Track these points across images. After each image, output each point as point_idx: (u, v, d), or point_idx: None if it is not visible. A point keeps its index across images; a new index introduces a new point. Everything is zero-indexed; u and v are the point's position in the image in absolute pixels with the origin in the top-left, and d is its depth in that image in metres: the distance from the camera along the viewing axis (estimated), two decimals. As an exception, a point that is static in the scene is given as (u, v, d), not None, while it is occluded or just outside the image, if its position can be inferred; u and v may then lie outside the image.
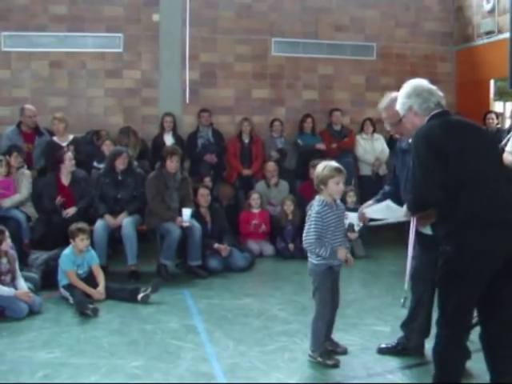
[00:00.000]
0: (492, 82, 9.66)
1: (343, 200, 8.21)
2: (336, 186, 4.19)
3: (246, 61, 9.43)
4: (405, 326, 4.45)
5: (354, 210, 8.04)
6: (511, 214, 3.28)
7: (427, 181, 3.24)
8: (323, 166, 4.22)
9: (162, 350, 4.50)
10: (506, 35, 8.87)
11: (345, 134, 9.45)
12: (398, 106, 3.65)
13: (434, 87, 3.62)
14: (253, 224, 7.90)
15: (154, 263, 6.87)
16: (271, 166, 8.45)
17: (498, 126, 9.22)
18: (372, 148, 9.42)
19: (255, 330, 5.01)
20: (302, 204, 8.10)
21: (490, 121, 9.04)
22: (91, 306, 5.27)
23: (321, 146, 9.08)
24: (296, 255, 7.73)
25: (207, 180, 7.96)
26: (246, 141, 9.06)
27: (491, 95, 9.72)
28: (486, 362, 3.48)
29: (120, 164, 6.74)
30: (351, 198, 8.13)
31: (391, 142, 9.51)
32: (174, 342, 4.67)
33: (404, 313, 5.38)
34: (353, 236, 7.83)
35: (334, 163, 4.28)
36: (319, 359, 4.26)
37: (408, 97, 3.56)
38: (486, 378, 3.53)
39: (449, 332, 3.34)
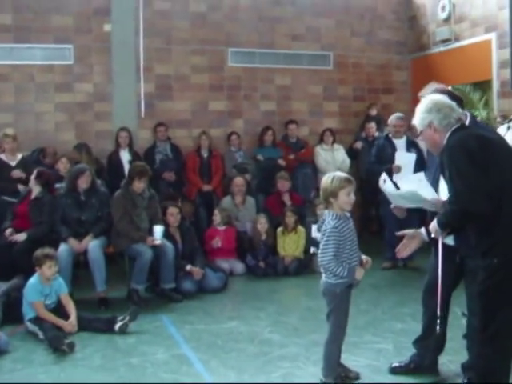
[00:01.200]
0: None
1: (313, 212, 8.00)
2: (347, 197, 3.86)
3: (202, 72, 9.07)
4: (418, 342, 4.19)
5: (325, 222, 7.90)
6: None
7: (473, 191, 3.05)
8: (331, 178, 3.89)
9: (157, 386, 4.05)
10: (463, 43, 8.93)
11: (301, 146, 9.24)
12: (417, 121, 3.48)
13: (454, 103, 3.45)
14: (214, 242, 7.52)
15: (122, 288, 6.37)
16: (239, 180, 8.08)
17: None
18: (333, 159, 9.25)
19: (252, 356, 4.61)
20: (269, 220, 7.80)
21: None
22: (67, 340, 4.73)
23: (282, 161, 8.81)
24: (268, 273, 7.41)
25: (179, 201, 7.53)
26: (205, 155, 8.70)
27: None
28: None
29: (83, 183, 6.21)
30: (321, 210, 7.83)
31: (351, 152, 9.40)
32: (168, 375, 4.22)
33: (400, 327, 5.26)
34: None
35: (341, 173, 3.97)
36: (333, 385, 3.93)
37: (428, 112, 3.39)
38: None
39: (498, 347, 3.09)
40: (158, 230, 6.12)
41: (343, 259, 3.82)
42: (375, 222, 9.97)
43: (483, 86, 8.83)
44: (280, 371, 4.28)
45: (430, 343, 4.09)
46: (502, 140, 3.42)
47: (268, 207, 8.32)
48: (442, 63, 9.44)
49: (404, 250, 3.76)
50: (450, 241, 3.82)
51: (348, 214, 3.95)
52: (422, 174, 3.92)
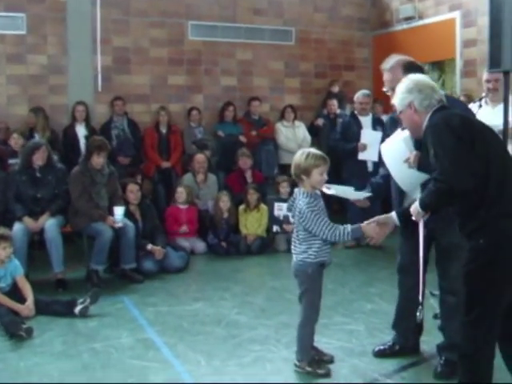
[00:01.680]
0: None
1: (276, 190, 7.86)
2: (320, 177, 3.70)
3: (162, 45, 8.76)
4: (398, 325, 4.10)
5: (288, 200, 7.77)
6: None
7: (460, 168, 2.92)
8: (306, 154, 3.71)
9: (124, 373, 3.84)
10: (427, 21, 8.87)
11: (263, 123, 9.07)
12: (397, 101, 3.31)
13: (435, 84, 3.34)
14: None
15: (81, 269, 6.12)
16: (201, 157, 7.85)
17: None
18: (294, 136, 9.10)
19: (221, 339, 4.45)
20: (231, 197, 7.63)
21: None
22: (24, 325, 4.48)
23: (243, 138, 8.63)
24: (231, 252, 7.26)
25: (139, 178, 7.27)
26: (164, 131, 8.43)
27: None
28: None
29: (38, 159, 5.89)
30: (285, 188, 7.72)
31: (312, 128, 9.28)
32: (135, 361, 4.02)
33: (370, 308, 5.19)
34: (289, 228, 7.49)
35: (316, 150, 3.80)
36: (308, 369, 3.81)
37: (409, 92, 3.24)
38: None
39: (482, 331, 3.01)
40: (119, 211, 5.87)
41: (318, 239, 3.68)
42: (337, 200, 9.91)
43: (441, 65, 8.81)
44: (251, 355, 4.14)
45: (411, 324, 4.00)
46: (480, 121, 3.30)
47: (229, 185, 8.13)
48: (404, 41, 9.36)
49: (377, 236, 3.64)
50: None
51: (319, 193, 3.80)
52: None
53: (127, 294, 5.59)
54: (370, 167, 7.33)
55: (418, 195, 3.57)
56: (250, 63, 9.39)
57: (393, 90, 3.65)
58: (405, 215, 3.51)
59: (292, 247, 3.84)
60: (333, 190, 3.81)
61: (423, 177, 3.44)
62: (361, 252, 7.40)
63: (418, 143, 3.45)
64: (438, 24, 8.69)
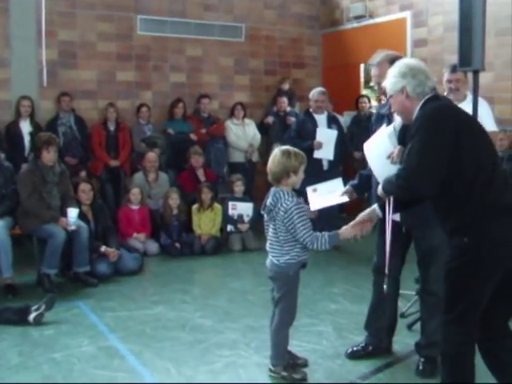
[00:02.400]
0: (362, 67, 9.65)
1: (230, 190, 7.71)
2: (302, 175, 3.62)
3: (110, 40, 8.44)
4: (371, 325, 4.04)
5: (243, 199, 7.65)
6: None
7: (424, 173, 2.89)
8: (288, 153, 3.56)
9: (90, 385, 3.64)
10: (378, 20, 8.89)
11: (213, 121, 8.91)
12: (388, 84, 3.19)
13: (429, 70, 3.22)
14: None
15: (31, 273, 5.82)
16: (152, 156, 7.62)
17: (371, 109, 9.21)
18: (244, 133, 8.99)
19: (188, 345, 4.28)
20: (183, 196, 7.45)
21: (364, 104, 9.02)
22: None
23: (193, 136, 8.44)
24: (185, 252, 7.08)
25: (83, 174, 6.97)
26: (112, 128, 8.13)
27: (362, 79, 9.70)
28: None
29: (-17, 158, 5.57)
30: (239, 187, 7.61)
31: (262, 126, 9.18)
32: (101, 372, 3.80)
33: (335, 308, 5.12)
34: (244, 227, 7.39)
35: (294, 148, 3.66)
36: (284, 373, 3.69)
37: (402, 76, 3.12)
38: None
39: (464, 329, 2.98)
40: (73, 213, 5.60)
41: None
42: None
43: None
44: (222, 360, 3.99)
45: (384, 324, 3.96)
46: (468, 115, 3.25)
47: (181, 183, 7.94)
48: (355, 39, 9.38)
49: (361, 232, 3.54)
50: (395, 217, 3.69)
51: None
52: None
53: (82, 299, 5.33)
54: (326, 166, 7.28)
55: None
56: (200, 59, 9.20)
57: (379, 84, 3.59)
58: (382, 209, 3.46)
59: (269, 249, 3.70)
60: (317, 192, 3.73)
61: None
62: (318, 252, 7.32)
63: (402, 139, 3.38)
64: (388, 23, 8.73)
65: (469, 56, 3.99)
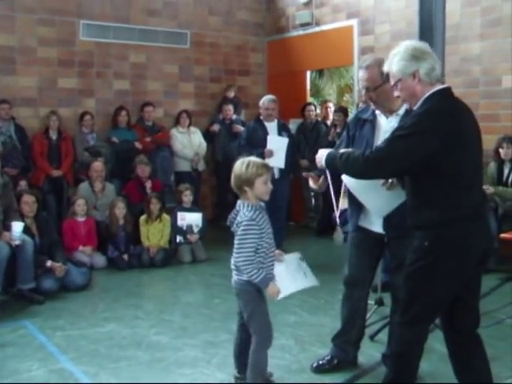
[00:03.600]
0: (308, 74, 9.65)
1: (179, 200, 7.53)
2: (265, 186, 3.42)
3: (51, 45, 8.10)
4: (339, 338, 3.95)
5: (191, 210, 7.47)
6: (484, 210, 3.08)
7: (391, 165, 2.91)
8: (246, 164, 3.39)
9: (46, 412, 3.41)
10: (324, 27, 8.92)
11: (158, 129, 8.73)
12: (396, 67, 2.96)
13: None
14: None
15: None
16: (98, 165, 7.35)
17: (318, 118, 9.21)
18: (190, 142, 8.86)
19: (146, 364, 4.09)
20: (129, 207, 7.22)
21: (310, 112, 9.01)
22: None
23: (138, 144, 8.23)
24: (133, 265, 6.85)
25: (23, 184, 6.64)
26: (54, 137, 7.84)
27: (308, 87, 9.69)
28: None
29: None
30: (187, 197, 7.43)
31: (208, 134, 9.06)
32: (55, 397, 3.59)
33: (294, 320, 5.02)
34: (193, 238, 7.23)
35: (256, 158, 3.50)
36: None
37: (415, 59, 2.91)
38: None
39: (416, 331, 3.01)
40: (18, 227, 5.31)
41: (260, 256, 3.36)
42: (231, 208, 9.74)
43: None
44: (184, 379, 3.83)
45: (352, 336, 3.89)
46: (473, 116, 3.06)
47: (127, 194, 7.70)
48: (301, 47, 9.37)
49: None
50: (373, 227, 3.63)
51: (263, 204, 3.52)
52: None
53: (29, 318, 5.05)
54: (277, 174, 7.19)
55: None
56: (144, 66, 8.98)
57: (367, 88, 3.49)
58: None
59: (232, 265, 3.51)
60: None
61: (402, 197, 3.26)
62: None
63: None
64: (335, 31, 8.75)
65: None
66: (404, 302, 3.04)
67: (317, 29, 9.05)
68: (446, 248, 2.87)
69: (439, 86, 2.93)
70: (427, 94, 2.91)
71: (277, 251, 3.57)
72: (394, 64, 2.97)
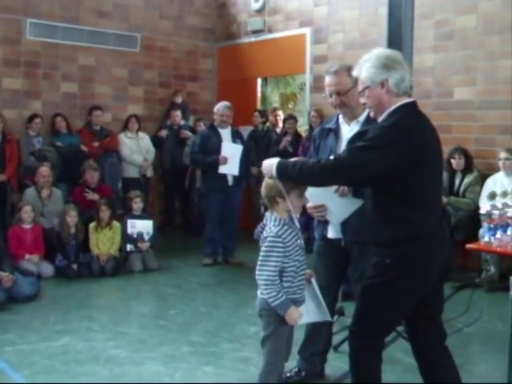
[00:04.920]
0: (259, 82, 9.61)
1: (129, 206, 7.32)
2: (299, 200, 3.10)
3: (-4, 44, 7.80)
4: (305, 350, 3.88)
5: (142, 217, 7.28)
6: (444, 225, 3.06)
7: (355, 171, 2.82)
8: None
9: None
10: (276, 35, 8.91)
11: (106, 134, 8.51)
12: (366, 74, 2.89)
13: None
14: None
15: None
16: (45, 171, 7.08)
17: (267, 125, 9.13)
18: (138, 148, 8.69)
19: (106, 380, 3.91)
20: (79, 213, 6.98)
21: (253, 119, 8.93)
22: None
23: (84, 147, 8.00)
24: (82, 274, 6.62)
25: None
26: (-2, 140, 7.51)
27: (258, 94, 9.65)
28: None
29: None
30: (137, 204, 7.24)
31: (156, 140, 8.90)
32: (11, 418, 3.38)
33: (254, 331, 4.91)
34: (144, 246, 7.06)
35: None
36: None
37: (386, 68, 2.85)
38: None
39: (369, 342, 3.00)
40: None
41: (288, 277, 3.06)
42: (179, 215, 9.62)
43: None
44: (147, 396, 3.69)
45: (319, 348, 3.84)
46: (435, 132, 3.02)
47: (74, 200, 7.44)
48: (252, 54, 9.33)
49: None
50: (331, 234, 3.60)
51: (294, 218, 3.17)
52: None
53: (-26, 332, 4.78)
54: (231, 181, 7.13)
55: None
56: (93, 69, 8.74)
57: (338, 93, 3.44)
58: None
59: (258, 281, 3.12)
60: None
61: (357, 204, 3.25)
62: (220, 270, 7.17)
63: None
64: (288, 39, 8.75)
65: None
66: (358, 314, 3.02)
67: (269, 36, 9.02)
68: (408, 266, 2.84)
69: (406, 100, 2.88)
70: (393, 107, 2.85)
71: (308, 271, 3.26)
72: (363, 70, 2.91)
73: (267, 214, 3.14)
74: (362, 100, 2.98)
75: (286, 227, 3.05)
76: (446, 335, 3.11)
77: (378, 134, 2.81)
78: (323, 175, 2.88)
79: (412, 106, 2.89)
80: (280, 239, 3.00)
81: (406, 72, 2.89)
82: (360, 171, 2.81)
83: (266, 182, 3.09)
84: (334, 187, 3.20)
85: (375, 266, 2.92)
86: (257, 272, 3.04)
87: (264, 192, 3.10)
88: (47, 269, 6.58)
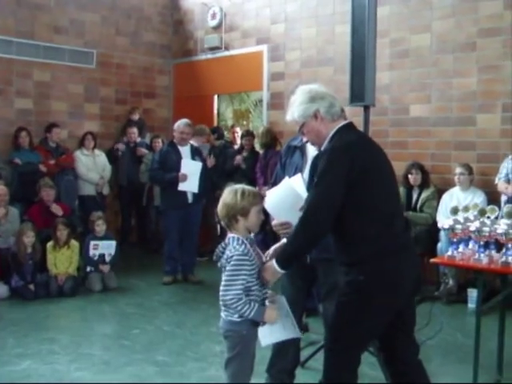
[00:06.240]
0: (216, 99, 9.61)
1: (91, 229, 7.18)
2: (258, 217, 3.09)
3: None
4: (273, 367, 3.85)
5: (105, 237, 7.14)
6: (411, 238, 3.14)
7: (325, 207, 2.86)
8: (241, 191, 3.07)
9: None
10: (233, 52, 8.96)
11: (62, 152, 8.38)
12: (298, 113, 3.05)
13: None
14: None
15: None
16: (2, 189, 6.90)
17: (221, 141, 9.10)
18: (94, 165, 8.60)
19: (72, 404, 3.83)
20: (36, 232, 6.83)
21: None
22: None
23: (42, 167, 7.85)
24: (39, 294, 6.46)
25: None
26: (-51, 158, 7.32)
27: (215, 111, 9.65)
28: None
29: None
30: (100, 226, 7.11)
31: (111, 155, 8.82)
32: None
33: (220, 350, 4.86)
34: (105, 269, 6.96)
35: (247, 186, 3.17)
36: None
37: (311, 101, 3.03)
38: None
39: (346, 359, 3.01)
40: None
41: (252, 293, 3.02)
42: (135, 232, 9.52)
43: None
44: (116, 420, 3.61)
45: (287, 364, 3.82)
46: (381, 149, 3.16)
47: (30, 218, 7.27)
48: (209, 71, 9.35)
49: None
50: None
51: (252, 236, 3.20)
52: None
53: None
54: (190, 198, 7.10)
55: None
56: (48, 85, 8.61)
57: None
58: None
59: (221, 303, 3.07)
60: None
61: None
62: (180, 288, 7.09)
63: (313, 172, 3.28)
64: (245, 56, 8.81)
65: (361, 92, 4.06)
66: (333, 331, 3.03)
67: (226, 53, 9.07)
68: (381, 281, 2.88)
69: (342, 122, 3.03)
70: (332, 132, 3.00)
71: (269, 292, 3.19)
72: (295, 111, 3.06)
73: (229, 234, 3.08)
74: (304, 139, 3.17)
75: (247, 249, 3.02)
76: (419, 348, 3.15)
77: (323, 166, 2.89)
78: (307, 231, 2.91)
79: (348, 126, 3.04)
80: (247, 257, 2.99)
81: (332, 98, 3.06)
82: (328, 207, 2.86)
83: (224, 201, 3.06)
84: (299, 205, 3.19)
85: (349, 284, 2.94)
86: (221, 293, 2.98)
87: (224, 211, 3.05)
88: (1, 289, 6.40)
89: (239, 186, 3.11)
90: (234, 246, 3.00)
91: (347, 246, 2.97)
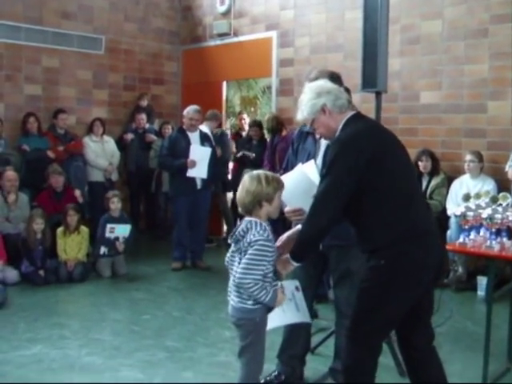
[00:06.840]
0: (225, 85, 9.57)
1: (106, 207, 7.17)
2: (279, 202, 3.11)
3: (-44, 44, 7.60)
4: (284, 353, 3.88)
5: (120, 219, 7.14)
6: (433, 224, 3.11)
7: (326, 203, 2.96)
8: (265, 177, 3.03)
9: None
10: (242, 38, 8.91)
11: (70, 138, 8.37)
12: (307, 110, 3.10)
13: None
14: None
15: None
16: (12, 175, 6.92)
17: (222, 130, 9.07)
18: (103, 151, 8.57)
19: (85, 388, 3.85)
20: (45, 219, 6.84)
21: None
22: None
23: (51, 153, 7.85)
24: (49, 280, 6.49)
25: None
26: (-43, 143, 7.33)
27: (224, 98, 9.61)
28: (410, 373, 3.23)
29: None
30: (115, 204, 7.10)
31: (120, 144, 8.81)
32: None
33: (229, 335, 4.91)
34: (121, 248, 6.95)
35: (268, 172, 3.16)
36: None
37: (318, 96, 3.09)
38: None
39: (366, 348, 3.01)
40: None
41: (267, 279, 2.99)
42: (144, 218, 9.54)
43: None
44: (128, 404, 3.64)
45: (298, 350, 3.83)
46: (393, 135, 3.16)
47: (40, 204, 7.30)
48: (218, 57, 9.30)
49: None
50: None
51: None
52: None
53: None
54: (199, 184, 7.10)
55: None
56: (57, 71, 8.58)
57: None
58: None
59: (231, 289, 3.09)
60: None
61: None
62: (189, 274, 7.12)
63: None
64: (254, 42, 8.75)
65: (373, 78, 4.04)
66: (355, 319, 3.02)
67: (235, 39, 9.01)
68: (402, 265, 2.89)
69: (350, 113, 3.08)
70: (341, 124, 3.05)
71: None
72: (304, 109, 3.12)
73: (248, 218, 3.05)
74: (317, 135, 3.28)
75: (267, 233, 3.01)
76: (434, 336, 3.15)
77: (332, 157, 2.95)
78: (316, 220, 2.98)
79: (355, 116, 3.08)
80: (270, 243, 2.99)
81: (338, 91, 3.12)
82: (337, 197, 2.93)
83: (248, 188, 3.02)
84: (312, 192, 3.18)
85: (371, 269, 2.95)
86: (239, 275, 2.93)
87: (249, 198, 3.01)
88: (12, 275, 6.42)
89: (261, 172, 3.08)
90: (257, 230, 2.97)
91: (367, 234, 2.99)
